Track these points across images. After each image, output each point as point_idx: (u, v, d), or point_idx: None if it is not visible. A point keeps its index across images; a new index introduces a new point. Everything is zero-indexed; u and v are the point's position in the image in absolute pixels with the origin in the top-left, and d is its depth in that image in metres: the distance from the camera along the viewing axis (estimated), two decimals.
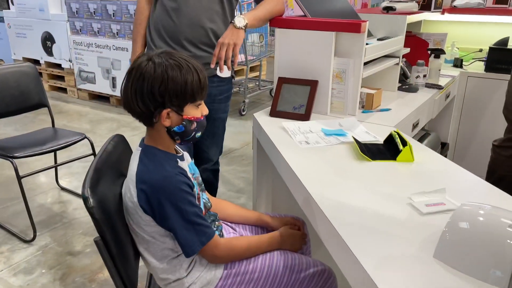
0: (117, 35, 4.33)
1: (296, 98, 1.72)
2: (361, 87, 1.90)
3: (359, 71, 1.69)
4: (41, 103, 2.58)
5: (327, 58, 1.68)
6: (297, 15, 1.85)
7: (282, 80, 1.76)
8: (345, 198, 1.05)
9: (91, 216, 0.95)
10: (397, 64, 2.09)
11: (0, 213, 2.40)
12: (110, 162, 1.13)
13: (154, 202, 1.01)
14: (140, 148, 1.10)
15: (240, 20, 1.61)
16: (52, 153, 2.57)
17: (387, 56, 2.06)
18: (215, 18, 1.74)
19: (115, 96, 4.59)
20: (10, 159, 2.12)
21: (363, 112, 1.81)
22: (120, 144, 1.25)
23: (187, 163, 1.19)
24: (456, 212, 0.84)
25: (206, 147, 1.93)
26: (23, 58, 5.35)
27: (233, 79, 1.93)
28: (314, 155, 1.34)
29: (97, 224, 0.95)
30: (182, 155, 1.17)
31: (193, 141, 1.14)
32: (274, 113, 1.73)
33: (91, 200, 0.94)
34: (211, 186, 2.04)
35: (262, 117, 1.72)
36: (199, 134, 1.12)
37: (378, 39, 2.02)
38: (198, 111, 1.10)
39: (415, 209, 1.00)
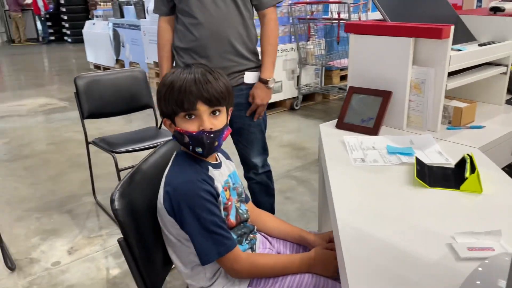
0: None
1: (366, 110, 1.59)
2: (452, 99, 1.67)
3: (442, 82, 1.48)
4: (148, 105, 2.86)
5: (404, 66, 1.51)
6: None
7: (352, 90, 1.65)
8: (372, 229, 0.93)
9: (116, 218, 1.01)
10: (504, 73, 1.77)
11: (104, 201, 2.74)
12: (152, 168, 1.20)
13: (175, 204, 1.03)
14: (175, 153, 1.14)
15: (272, 82, 1.84)
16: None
17: (492, 64, 1.77)
18: (234, 25, 1.73)
19: None
20: (112, 153, 2.40)
21: (448, 128, 1.58)
22: (169, 151, 1.31)
23: (227, 171, 1.18)
24: (487, 263, 0.68)
25: (248, 154, 1.92)
26: (154, 62, 6.01)
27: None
28: (364, 175, 1.22)
29: (121, 226, 1.01)
30: (220, 163, 1.16)
31: (211, 153, 1.09)
32: (340, 124, 1.62)
33: (116, 202, 1.01)
34: (267, 188, 2.02)
35: (327, 128, 1.62)
36: (199, 149, 1.06)
37: (480, 44, 1.74)
38: (191, 124, 1.04)
39: (452, 252, 0.83)
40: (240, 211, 1.18)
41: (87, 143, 2.60)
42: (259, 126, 1.90)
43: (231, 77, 1.76)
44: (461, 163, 1.20)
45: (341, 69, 4.93)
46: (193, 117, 1.04)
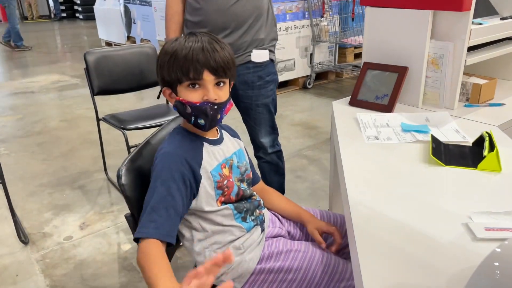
0: None
1: (380, 86, 1.54)
2: (471, 75, 1.61)
3: (461, 57, 1.41)
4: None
5: (421, 41, 1.45)
6: None
7: (367, 65, 1.59)
8: (385, 208, 0.90)
9: (122, 193, 1.00)
10: None
11: (116, 177, 2.76)
12: (160, 143, 1.18)
13: (152, 170, 1.02)
14: (175, 127, 1.12)
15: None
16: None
17: None
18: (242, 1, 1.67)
19: None
20: (123, 130, 2.39)
21: (465, 106, 1.52)
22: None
23: (232, 148, 1.15)
24: (506, 244, 0.64)
25: (256, 134, 1.88)
26: (165, 39, 5.95)
27: (273, 63, 1.82)
28: (377, 153, 1.18)
29: (128, 201, 1.00)
30: (220, 139, 1.13)
31: (213, 125, 1.05)
32: (354, 101, 1.57)
33: (123, 177, 1.00)
34: (277, 167, 1.99)
35: (340, 106, 1.58)
36: (201, 121, 1.02)
37: (502, 18, 1.66)
38: (194, 93, 1.00)
39: (469, 232, 0.80)
40: (243, 187, 1.15)
41: (98, 120, 2.60)
42: (266, 106, 1.85)
43: (238, 54, 1.71)
44: (479, 141, 1.15)
45: (356, 47, 4.81)
46: (197, 86, 1.00)
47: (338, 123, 1.41)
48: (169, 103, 2.80)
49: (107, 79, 2.58)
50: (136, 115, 2.62)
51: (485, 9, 1.71)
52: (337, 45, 4.70)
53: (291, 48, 4.37)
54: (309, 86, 4.60)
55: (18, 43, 7.50)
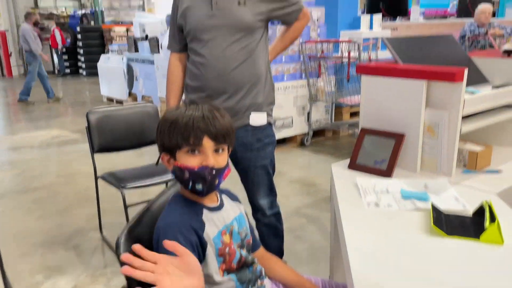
0: None
1: (379, 151, 1.56)
2: (466, 142, 1.64)
3: (456, 126, 1.45)
4: None
5: (417, 109, 1.50)
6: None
7: (364, 131, 1.63)
8: (389, 284, 0.88)
9: (120, 264, 0.98)
10: None
11: (111, 236, 2.71)
12: (160, 210, 1.17)
13: (155, 242, 1.01)
14: (173, 195, 1.12)
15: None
16: (164, 186, 2.81)
17: (507, 106, 1.75)
18: (241, 65, 1.72)
19: None
20: (120, 189, 2.38)
21: (463, 172, 1.54)
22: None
23: (232, 214, 1.15)
24: None
25: (253, 195, 1.88)
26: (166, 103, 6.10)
27: (271, 125, 1.86)
28: (378, 220, 1.18)
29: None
30: (220, 205, 1.13)
31: (211, 190, 1.06)
32: (353, 165, 1.59)
33: (122, 247, 0.98)
34: (276, 230, 1.96)
35: (339, 169, 1.60)
36: (199, 186, 1.03)
37: (494, 87, 1.73)
38: (193, 159, 1.02)
39: None
40: (243, 254, 1.14)
41: (96, 178, 2.59)
42: (265, 168, 1.86)
43: (237, 117, 1.75)
44: (480, 210, 1.15)
45: (351, 106, 4.93)
46: (196, 152, 1.02)
47: (338, 187, 1.42)
48: (157, 162, 2.80)
49: (108, 137, 2.62)
50: (134, 173, 2.62)
51: (476, 78, 1.79)
52: (333, 104, 4.82)
53: (289, 106, 4.48)
54: (307, 143, 4.66)
55: (22, 97, 7.65)
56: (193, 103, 1.10)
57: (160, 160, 1.12)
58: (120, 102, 7.11)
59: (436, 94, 1.47)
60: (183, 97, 1.93)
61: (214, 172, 1.03)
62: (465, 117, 1.52)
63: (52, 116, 6.72)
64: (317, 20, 4.61)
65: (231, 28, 1.68)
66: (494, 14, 6.12)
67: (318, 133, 4.92)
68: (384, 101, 1.59)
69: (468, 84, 1.59)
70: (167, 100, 1.93)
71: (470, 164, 1.55)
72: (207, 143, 1.02)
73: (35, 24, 7.63)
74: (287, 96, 4.45)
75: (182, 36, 1.82)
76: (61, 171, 4.05)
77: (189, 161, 1.02)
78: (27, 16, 7.54)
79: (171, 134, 1.03)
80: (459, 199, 1.29)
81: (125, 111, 2.73)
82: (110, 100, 7.50)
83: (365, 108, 1.67)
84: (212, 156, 1.03)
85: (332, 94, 4.59)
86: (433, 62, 1.67)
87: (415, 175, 1.52)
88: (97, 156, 2.60)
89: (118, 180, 2.46)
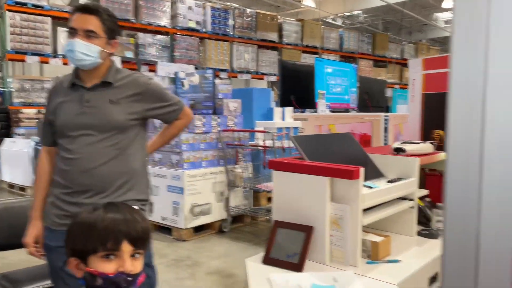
0: (159, 163, 4.59)
1: (291, 244, 1.62)
2: (369, 233, 1.77)
3: (357, 218, 1.57)
4: None
5: (322, 203, 1.61)
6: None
7: (277, 224, 1.69)
8: None
9: None
10: (413, 207, 1.95)
11: None
12: None
13: None
14: None
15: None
16: None
17: (403, 198, 1.94)
18: (109, 162, 1.62)
19: (152, 221, 4.68)
20: None
21: (367, 263, 1.64)
22: None
23: None
24: None
25: None
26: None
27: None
28: None
29: None
30: None
31: None
32: (267, 260, 1.62)
33: None
34: None
35: (254, 264, 1.61)
36: None
37: (389, 181, 1.93)
38: (108, 264, 0.97)
39: None
40: None
41: None
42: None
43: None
44: None
45: (268, 192, 5.08)
46: (112, 257, 0.98)
47: (252, 284, 1.42)
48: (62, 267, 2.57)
49: (5, 233, 2.37)
50: (32, 273, 2.36)
51: (373, 173, 1.99)
52: (252, 190, 4.93)
53: (207, 193, 4.49)
54: (226, 230, 4.61)
55: None
56: (112, 204, 1.06)
57: (66, 265, 1.03)
58: (23, 189, 6.56)
59: (338, 189, 1.60)
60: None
61: (130, 278, 0.98)
62: (366, 210, 1.66)
63: None
64: (235, 110, 4.87)
65: (100, 126, 1.62)
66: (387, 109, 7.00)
67: (237, 219, 4.93)
68: (294, 195, 1.69)
69: (366, 178, 1.76)
70: (34, 195, 1.76)
71: (373, 254, 1.66)
72: (126, 248, 0.99)
73: None
74: (205, 182, 4.47)
75: (52, 131, 1.72)
76: None
77: (104, 266, 0.97)
78: None
79: (87, 238, 0.98)
80: None
81: (26, 203, 2.52)
82: (11, 186, 6.88)
83: (277, 201, 1.75)
84: (129, 261, 0.99)
85: (250, 180, 4.71)
86: (336, 158, 1.84)
87: (325, 268, 1.58)
88: None
89: (12, 282, 2.19)
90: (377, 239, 1.68)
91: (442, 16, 13.91)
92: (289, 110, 5.66)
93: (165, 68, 5.51)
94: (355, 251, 1.58)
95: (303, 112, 5.64)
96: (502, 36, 0.49)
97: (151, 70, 7.17)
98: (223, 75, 8.81)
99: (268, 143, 4.56)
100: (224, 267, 3.63)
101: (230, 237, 4.48)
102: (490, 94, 0.51)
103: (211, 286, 3.21)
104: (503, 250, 0.50)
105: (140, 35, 7.97)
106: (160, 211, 4.46)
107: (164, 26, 8.23)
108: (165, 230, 4.43)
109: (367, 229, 1.80)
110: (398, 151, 2.05)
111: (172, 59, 8.15)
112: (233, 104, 4.84)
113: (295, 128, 5.51)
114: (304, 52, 10.23)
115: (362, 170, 1.57)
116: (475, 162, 0.49)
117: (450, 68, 0.55)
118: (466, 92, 0.52)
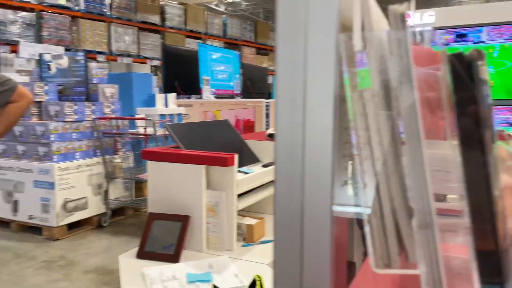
0: (23, 156, 4.11)
1: (167, 236, 1.58)
2: (245, 216, 1.82)
3: (232, 204, 1.61)
4: None
5: (199, 191, 1.60)
6: None
7: (152, 216, 1.64)
8: None
9: None
10: None
11: None
12: None
13: None
14: None
15: None
16: None
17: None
18: None
19: (17, 221, 4.18)
20: None
21: (243, 246, 1.69)
22: None
23: None
24: None
25: None
26: None
27: None
28: None
29: None
30: None
31: None
32: (141, 254, 1.56)
33: None
34: None
35: (127, 260, 1.54)
36: None
37: (264, 165, 2.01)
38: None
39: None
40: None
41: None
42: None
43: None
44: (252, 284, 1.27)
45: None
46: None
47: (124, 282, 1.35)
48: None
49: None
50: None
51: (250, 158, 2.05)
52: (134, 181, 4.72)
53: (82, 186, 4.17)
54: (105, 224, 4.36)
55: None
56: None
57: None
58: None
59: (214, 177, 1.61)
60: None
61: None
62: (242, 194, 1.70)
63: None
64: (111, 96, 4.57)
65: None
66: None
67: (118, 212, 4.68)
68: (170, 185, 1.65)
69: (243, 164, 1.80)
70: None
71: (249, 237, 1.72)
72: None
73: None
74: (80, 175, 4.14)
75: None
76: None
77: None
78: None
79: None
80: (238, 275, 1.40)
81: None
82: None
83: (152, 192, 1.69)
84: None
85: (131, 170, 4.51)
86: (212, 146, 1.84)
87: (202, 255, 1.58)
88: None
89: None
90: (252, 222, 1.74)
91: None
92: (172, 96, 5.53)
93: (29, 49, 4.91)
94: (231, 236, 1.62)
95: (189, 98, 5.57)
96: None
97: (13, 51, 6.34)
98: (100, 57, 8.20)
99: (150, 131, 4.40)
100: (103, 263, 3.43)
101: (110, 232, 4.25)
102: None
103: (89, 285, 3.01)
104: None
105: (0, 10, 6.96)
106: (26, 209, 4.03)
107: (29, 2, 7.31)
108: (35, 229, 4.02)
109: (243, 212, 1.85)
110: (271, 136, 2.15)
111: (39, 39, 7.30)
112: (110, 90, 4.54)
113: (179, 114, 5.41)
114: (188, 37, 10.05)
115: (236, 157, 1.60)
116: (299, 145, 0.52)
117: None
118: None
